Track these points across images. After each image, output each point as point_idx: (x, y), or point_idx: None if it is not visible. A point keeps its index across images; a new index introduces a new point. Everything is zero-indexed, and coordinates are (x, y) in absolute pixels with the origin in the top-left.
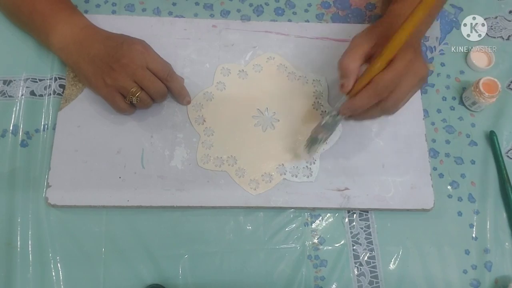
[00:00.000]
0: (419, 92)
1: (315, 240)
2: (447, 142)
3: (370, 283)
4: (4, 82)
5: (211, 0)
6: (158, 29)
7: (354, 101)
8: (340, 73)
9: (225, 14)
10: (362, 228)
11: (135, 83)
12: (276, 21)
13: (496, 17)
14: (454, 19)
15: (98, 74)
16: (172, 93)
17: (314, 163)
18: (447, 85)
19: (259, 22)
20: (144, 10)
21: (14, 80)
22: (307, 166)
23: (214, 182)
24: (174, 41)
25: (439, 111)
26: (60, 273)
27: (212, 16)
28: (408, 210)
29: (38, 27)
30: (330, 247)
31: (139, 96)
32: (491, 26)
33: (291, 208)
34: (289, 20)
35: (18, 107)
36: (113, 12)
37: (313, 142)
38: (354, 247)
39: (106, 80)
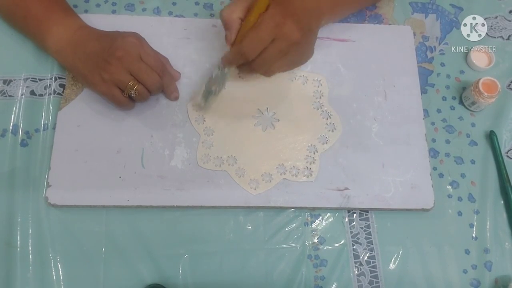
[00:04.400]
0: (419, 92)
1: (315, 240)
2: (447, 142)
3: (370, 282)
4: (4, 81)
5: None
6: (158, 29)
7: (226, 56)
8: (223, 26)
9: None
10: (362, 228)
11: (131, 76)
12: None
13: (496, 17)
14: (454, 19)
15: (95, 70)
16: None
17: (314, 162)
18: (447, 85)
19: None
20: (144, 9)
21: (14, 80)
22: (307, 166)
23: (214, 182)
24: (174, 41)
25: (439, 111)
26: (60, 273)
27: (212, 15)
28: (408, 210)
29: (33, 31)
30: (330, 247)
31: (137, 89)
32: (491, 26)
33: (291, 208)
34: None
35: (18, 107)
36: (113, 11)
37: (208, 94)
38: (354, 247)
39: (103, 75)
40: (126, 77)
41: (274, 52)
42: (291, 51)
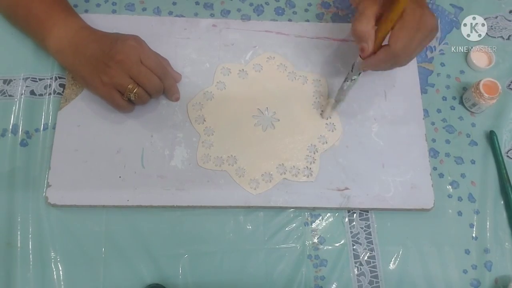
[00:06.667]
0: (419, 92)
1: (315, 240)
2: (447, 142)
3: (370, 282)
4: (4, 81)
5: None
6: (158, 29)
7: (371, 61)
8: (356, 39)
9: (225, 13)
10: (362, 228)
11: (131, 80)
12: (276, 20)
13: (496, 17)
14: (454, 19)
15: (94, 73)
16: (163, 88)
17: (314, 162)
18: (447, 85)
19: (259, 21)
20: (144, 9)
21: (14, 80)
22: (307, 166)
23: (214, 181)
24: (174, 41)
25: (439, 111)
26: (61, 273)
27: (212, 15)
28: (408, 210)
29: (34, 31)
30: (330, 247)
31: (136, 92)
32: (491, 26)
33: (291, 207)
34: (289, 20)
35: (18, 107)
36: (113, 11)
37: (337, 104)
38: (354, 247)
39: (102, 78)
40: (125, 81)
41: (417, 42)
42: (428, 37)
